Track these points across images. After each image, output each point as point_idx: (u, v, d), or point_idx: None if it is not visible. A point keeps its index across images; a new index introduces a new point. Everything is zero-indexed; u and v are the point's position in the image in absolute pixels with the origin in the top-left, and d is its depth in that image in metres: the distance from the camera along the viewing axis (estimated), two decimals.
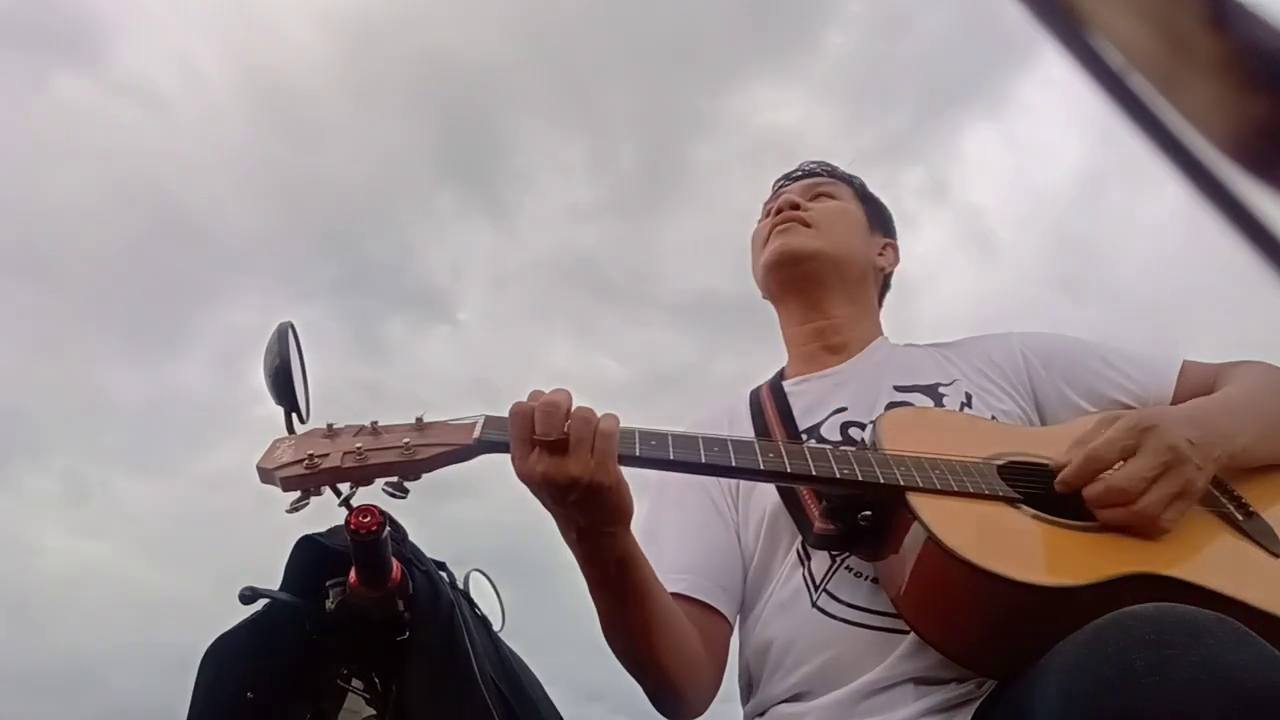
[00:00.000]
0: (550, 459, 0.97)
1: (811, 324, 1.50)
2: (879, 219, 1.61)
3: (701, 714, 1.22)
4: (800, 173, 1.62)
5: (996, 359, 1.42)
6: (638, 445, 1.05)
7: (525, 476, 0.98)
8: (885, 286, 1.61)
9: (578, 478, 0.96)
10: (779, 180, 1.65)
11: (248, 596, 1.02)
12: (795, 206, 1.51)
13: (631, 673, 1.15)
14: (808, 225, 1.49)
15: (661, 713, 1.18)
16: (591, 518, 1.00)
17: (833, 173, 1.62)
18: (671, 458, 1.06)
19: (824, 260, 1.48)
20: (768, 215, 1.56)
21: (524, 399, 1.02)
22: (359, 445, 1.01)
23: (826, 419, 1.35)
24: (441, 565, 1.17)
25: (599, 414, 1.00)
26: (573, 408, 0.99)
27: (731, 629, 1.27)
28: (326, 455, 1.01)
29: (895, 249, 1.62)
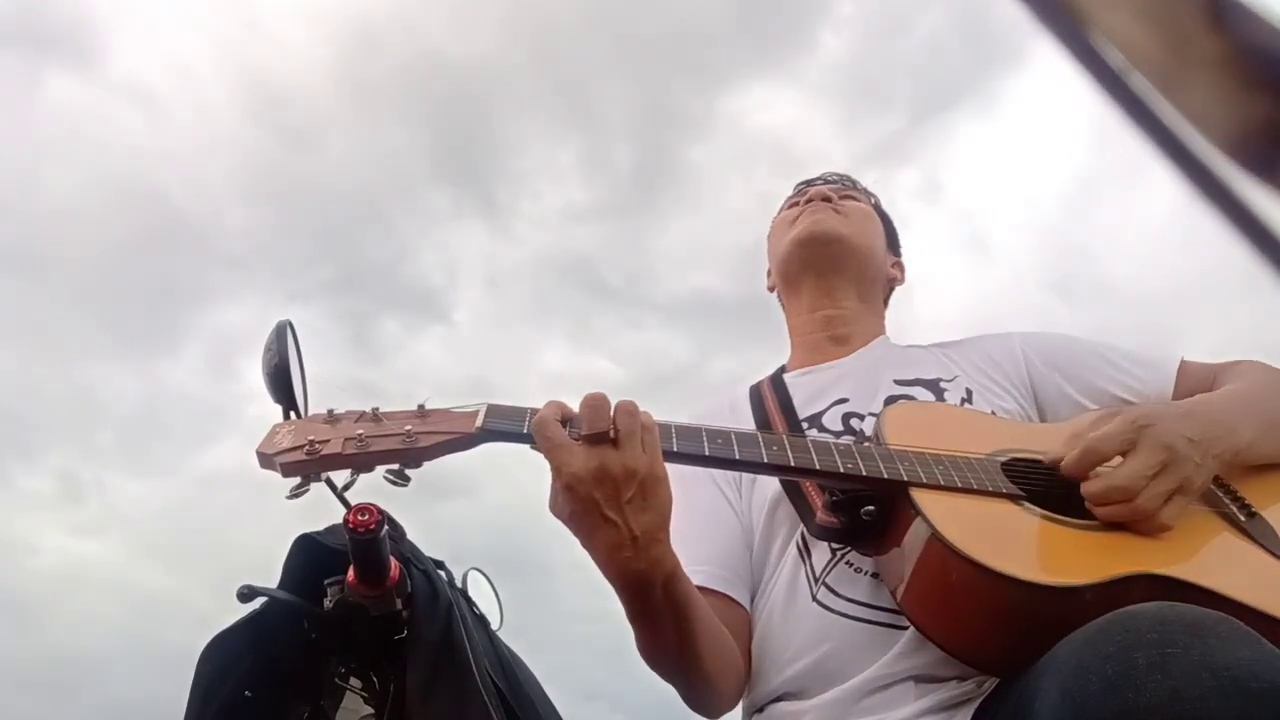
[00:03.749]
0: (604, 452, 0.95)
1: (821, 311, 1.50)
2: (892, 237, 1.65)
3: (734, 707, 1.22)
4: (821, 180, 1.64)
5: (997, 357, 1.42)
6: None
7: (580, 476, 0.94)
8: (887, 299, 1.63)
9: (635, 469, 0.94)
10: (800, 183, 1.67)
11: (246, 595, 1.02)
12: (827, 199, 1.54)
13: (673, 683, 1.13)
14: (839, 214, 1.52)
15: (698, 712, 1.17)
16: (647, 521, 0.96)
17: (854, 186, 1.64)
18: (675, 449, 1.05)
19: (849, 247, 1.50)
20: (794, 206, 1.58)
21: (532, 404, 1.01)
22: (360, 432, 1.00)
23: (828, 409, 1.35)
24: (440, 564, 1.17)
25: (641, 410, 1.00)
26: (618, 402, 0.98)
27: (750, 616, 1.26)
28: (327, 441, 0.99)
29: (903, 268, 1.65)
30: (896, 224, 1.67)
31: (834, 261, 1.50)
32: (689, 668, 1.11)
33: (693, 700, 1.16)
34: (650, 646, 1.09)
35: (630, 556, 0.97)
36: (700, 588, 1.20)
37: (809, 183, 1.64)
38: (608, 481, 0.94)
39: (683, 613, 1.05)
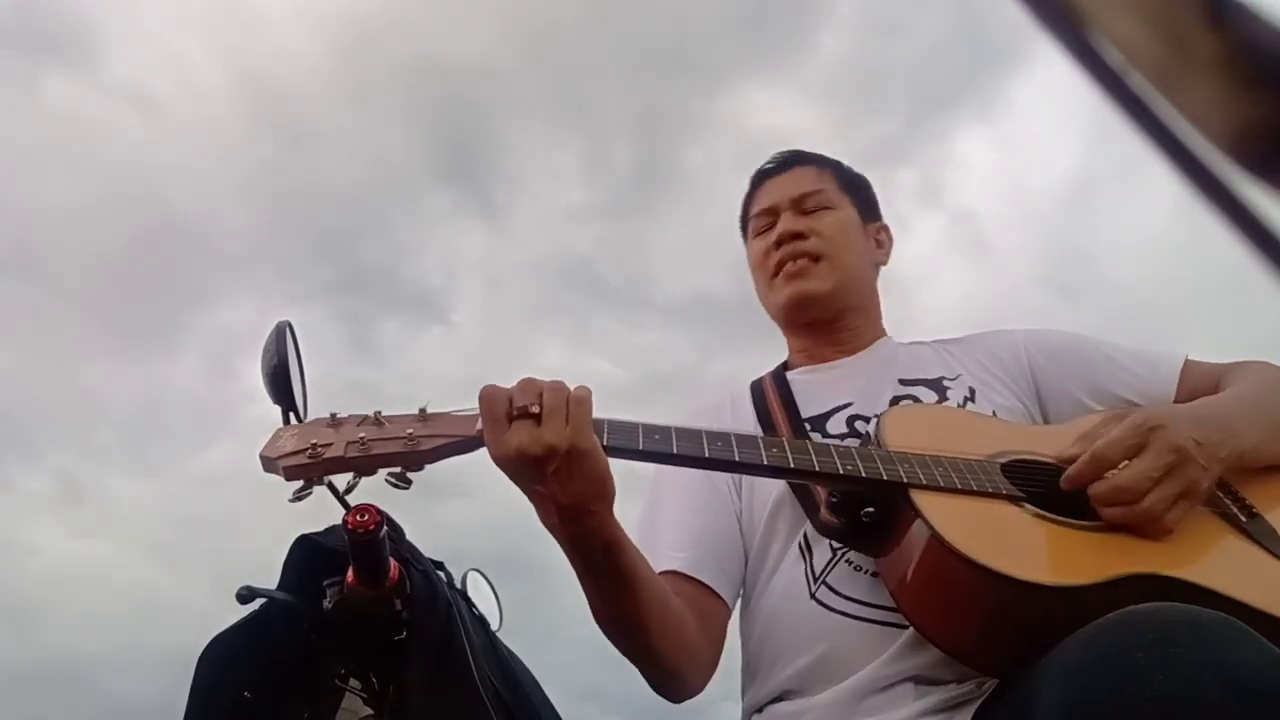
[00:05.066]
0: (526, 431, 0.96)
1: (824, 337, 1.49)
2: (867, 205, 1.56)
3: (698, 692, 1.21)
4: (774, 164, 1.56)
5: (1000, 355, 1.42)
6: (640, 439, 1.05)
7: (502, 454, 0.97)
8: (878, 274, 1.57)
9: (555, 445, 0.95)
10: (756, 176, 1.58)
11: (245, 596, 1.02)
12: (798, 235, 1.45)
13: (626, 656, 1.14)
14: (816, 258, 1.44)
15: (658, 693, 1.18)
16: (573, 492, 0.98)
17: (814, 161, 1.55)
18: (675, 451, 1.05)
19: (840, 296, 1.45)
20: (760, 234, 1.51)
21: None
22: (362, 435, 1.01)
23: (832, 413, 1.35)
24: (439, 565, 1.17)
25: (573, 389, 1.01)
26: (544, 381, 1.00)
27: (729, 611, 1.27)
28: (330, 445, 1.00)
29: (887, 231, 1.57)
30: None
31: (829, 315, 1.46)
32: (635, 640, 1.12)
33: (648, 678, 1.16)
34: (596, 611, 1.10)
35: (559, 522, 1.00)
36: (677, 572, 1.22)
37: (768, 210, 1.51)
38: (528, 458, 0.96)
39: (627, 583, 1.06)
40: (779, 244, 1.46)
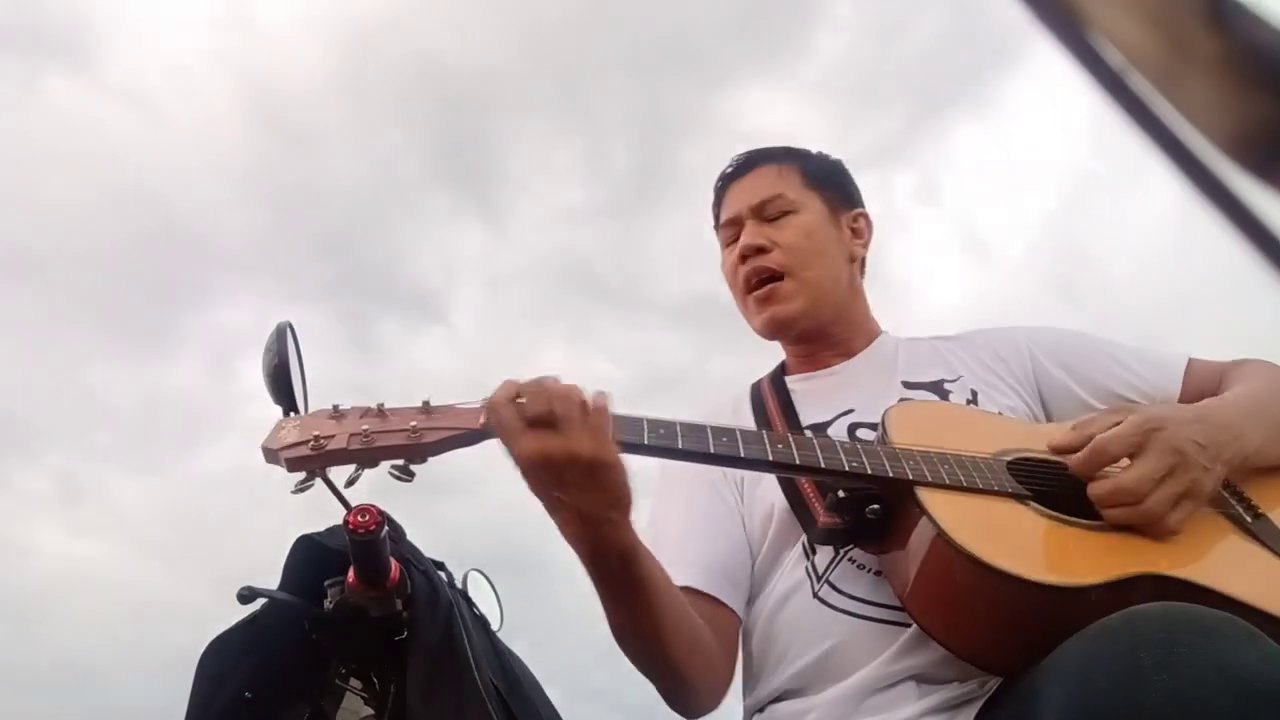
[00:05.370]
0: (547, 437, 0.96)
1: (815, 345, 1.46)
2: (840, 196, 1.49)
3: (714, 709, 1.20)
4: (733, 168, 1.51)
5: (1003, 354, 1.41)
6: (645, 433, 1.05)
7: (524, 460, 0.97)
8: (863, 269, 1.52)
9: (577, 453, 0.95)
10: (719, 181, 1.53)
11: (246, 596, 1.02)
12: (760, 249, 1.40)
13: (642, 670, 1.13)
14: (781, 276, 1.40)
15: (674, 709, 1.17)
16: (593, 501, 0.98)
17: (775, 158, 1.48)
18: (680, 446, 1.05)
19: (812, 312, 1.41)
20: (728, 246, 1.47)
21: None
22: (365, 427, 1.01)
23: (834, 420, 1.33)
24: (440, 565, 1.17)
25: (589, 393, 1.00)
26: (558, 387, 0.99)
27: (740, 622, 1.26)
28: (333, 436, 1.00)
29: (865, 217, 1.51)
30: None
31: (803, 333, 1.44)
32: (652, 651, 1.10)
33: (665, 692, 1.15)
34: (613, 623, 1.09)
35: (578, 532, 1.00)
36: (687, 588, 1.20)
37: (731, 221, 1.46)
38: (550, 465, 0.96)
39: (643, 593, 1.05)
40: (743, 258, 1.42)
